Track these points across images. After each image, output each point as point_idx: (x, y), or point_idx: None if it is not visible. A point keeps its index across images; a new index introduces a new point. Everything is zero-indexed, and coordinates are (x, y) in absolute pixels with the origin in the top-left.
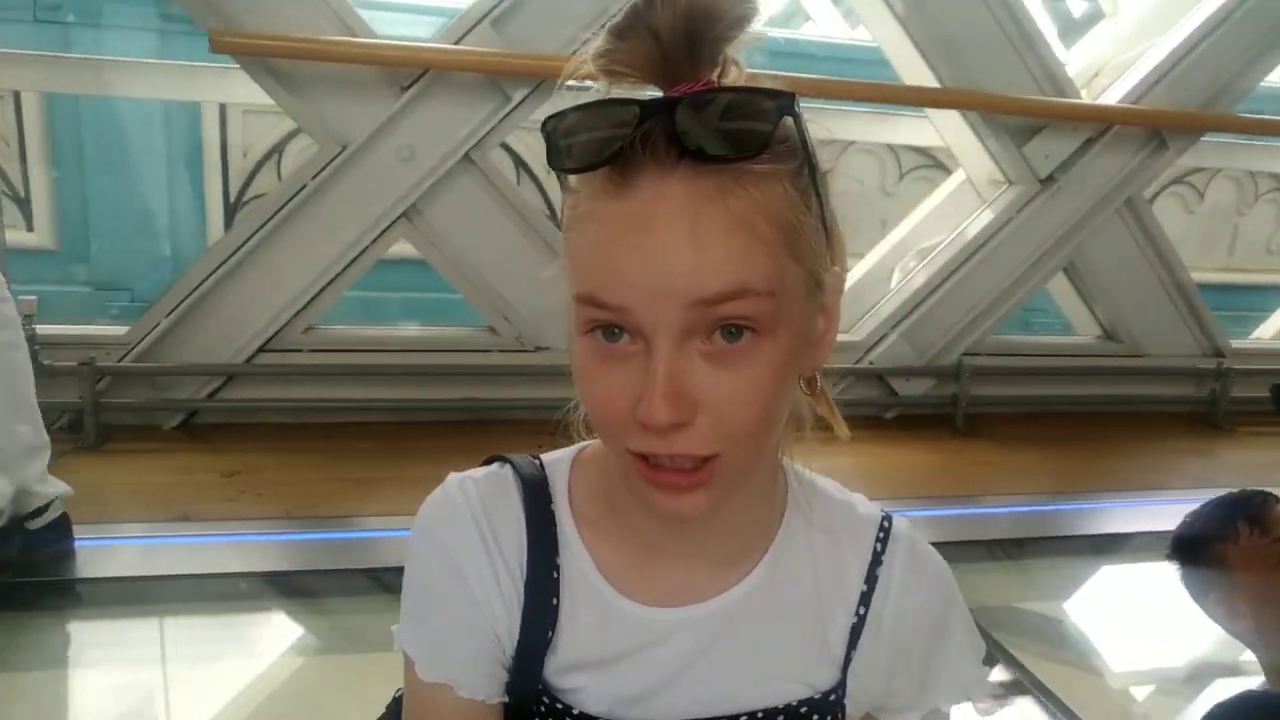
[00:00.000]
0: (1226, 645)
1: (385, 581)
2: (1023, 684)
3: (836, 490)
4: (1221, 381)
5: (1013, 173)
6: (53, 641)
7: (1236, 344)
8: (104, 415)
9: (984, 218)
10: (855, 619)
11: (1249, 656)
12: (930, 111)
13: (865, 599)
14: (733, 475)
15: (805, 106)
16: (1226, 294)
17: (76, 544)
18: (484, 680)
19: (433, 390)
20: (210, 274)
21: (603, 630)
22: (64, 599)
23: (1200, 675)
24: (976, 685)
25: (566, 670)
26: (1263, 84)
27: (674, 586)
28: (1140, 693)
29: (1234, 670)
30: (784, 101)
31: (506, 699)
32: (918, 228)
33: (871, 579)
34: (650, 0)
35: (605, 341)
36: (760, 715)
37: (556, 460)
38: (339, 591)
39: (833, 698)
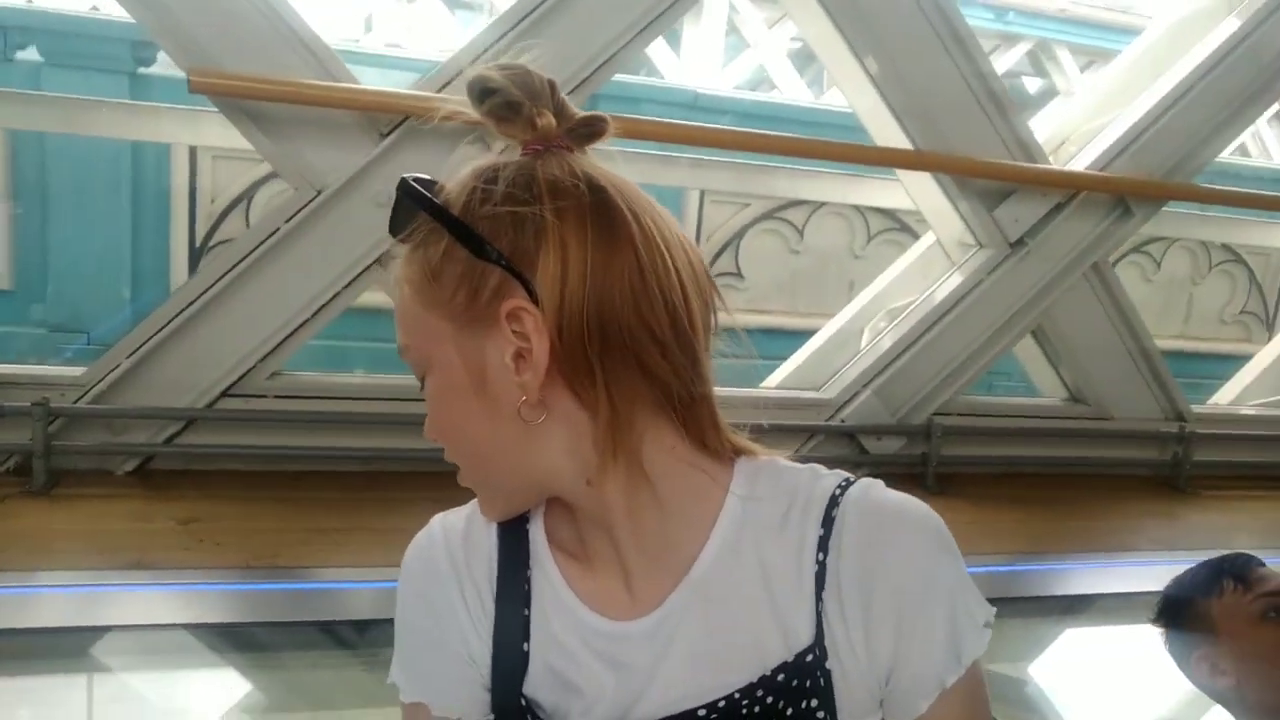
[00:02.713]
0: (1189, 708)
1: (344, 636)
2: None
3: (804, 466)
4: (1184, 445)
5: (983, 235)
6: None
7: (1197, 409)
8: (54, 459)
9: (954, 280)
10: (817, 566)
11: None
12: (902, 174)
13: (823, 544)
14: (492, 485)
15: (779, 165)
16: (1183, 361)
17: (19, 591)
18: (461, 699)
19: (402, 439)
20: (176, 315)
21: (570, 642)
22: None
23: None
24: (975, 647)
25: (545, 685)
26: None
27: (627, 599)
28: None
29: None
30: (401, 186)
31: (490, 717)
32: (888, 288)
33: (828, 521)
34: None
35: None
36: (737, 695)
37: None
38: (297, 646)
39: (810, 658)
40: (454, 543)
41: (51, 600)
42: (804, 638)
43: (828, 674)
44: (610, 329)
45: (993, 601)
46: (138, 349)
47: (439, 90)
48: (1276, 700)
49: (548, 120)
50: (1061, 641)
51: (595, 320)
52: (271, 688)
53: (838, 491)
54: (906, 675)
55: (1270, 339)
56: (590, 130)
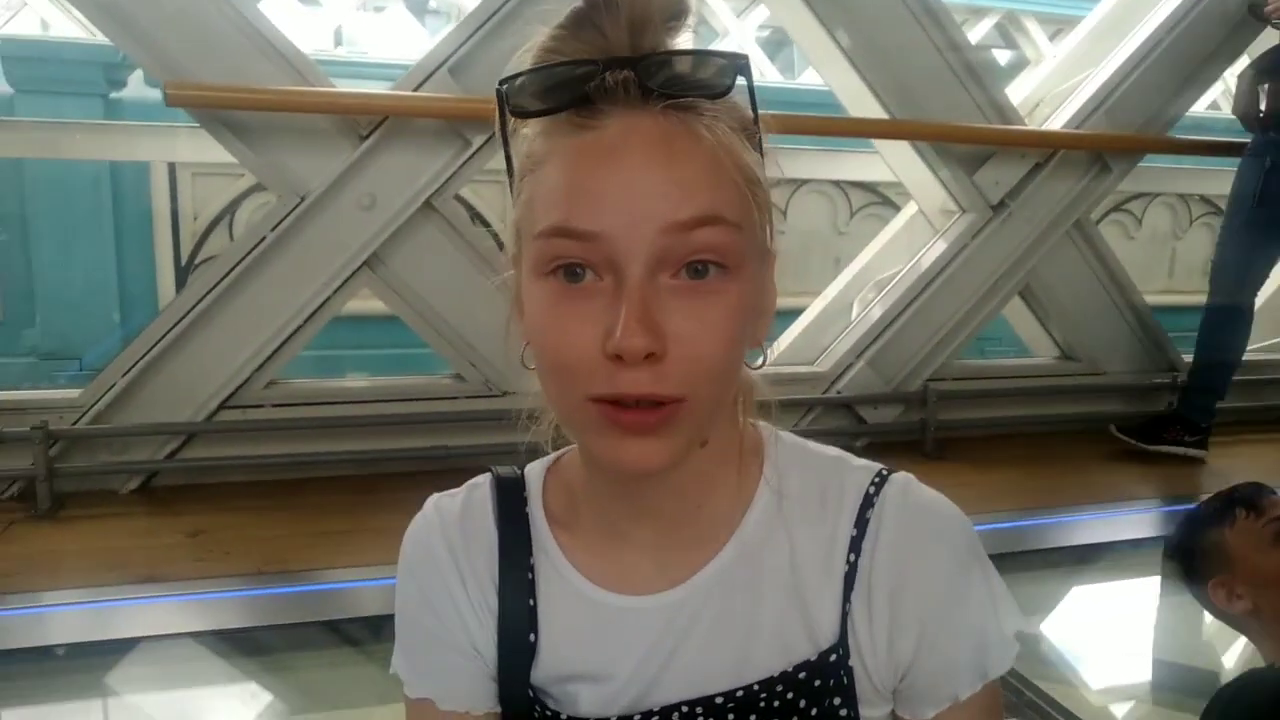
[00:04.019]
0: (1202, 649)
1: (354, 635)
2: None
3: (832, 451)
4: (1178, 395)
5: (965, 201)
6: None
7: (1189, 358)
8: (57, 482)
9: (939, 246)
10: (846, 566)
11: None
12: (881, 146)
13: (855, 545)
14: (695, 423)
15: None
16: (1170, 315)
17: (32, 612)
18: (467, 692)
19: (401, 440)
20: (168, 331)
21: (583, 626)
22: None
23: (1182, 679)
24: (1000, 663)
25: (555, 674)
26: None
27: (649, 574)
28: (1121, 700)
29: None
30: (740, 60)
31: (497, 709)
32: (874, 261)
33: (862, 522)
34: (595, 5)
35: (567, 282)
36: (756, 687)
37: (534, 466)
38: (312, 646)
39: (833, 657)
40: (450, 530)
41: (66, 618)
42: (829, 636)
43: (850, 671)
44: None
45: (999, 558)
46: (132, 367)
47: (415, 89)
48: None
49: None
50: (1075, 593)
51: None
52: (288, 688)
53: (872, 489)
54: (921, 680)
55: None
56: None
